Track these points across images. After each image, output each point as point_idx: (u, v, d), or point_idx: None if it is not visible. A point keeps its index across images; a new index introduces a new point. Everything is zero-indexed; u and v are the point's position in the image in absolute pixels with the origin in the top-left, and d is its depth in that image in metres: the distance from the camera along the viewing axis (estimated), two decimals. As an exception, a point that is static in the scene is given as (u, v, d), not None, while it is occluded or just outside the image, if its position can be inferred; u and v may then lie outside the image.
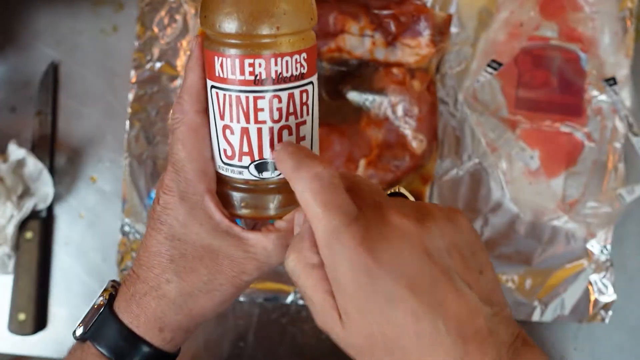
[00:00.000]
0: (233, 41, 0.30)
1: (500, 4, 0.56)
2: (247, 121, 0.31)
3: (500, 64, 0.55)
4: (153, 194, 0.54)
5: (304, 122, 0.32)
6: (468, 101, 0.56)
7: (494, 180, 0.57)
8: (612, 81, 0.56)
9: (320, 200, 0.27)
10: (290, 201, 0.33)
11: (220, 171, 0.33)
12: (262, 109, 0.31)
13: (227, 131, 0.32)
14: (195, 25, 0.56)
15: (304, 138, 0.32)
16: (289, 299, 0.56)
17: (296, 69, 0.31)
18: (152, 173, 0.56)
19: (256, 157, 0.32)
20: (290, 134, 0.32)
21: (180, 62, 0.56)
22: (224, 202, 0.33)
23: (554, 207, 0.55)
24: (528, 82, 0.57)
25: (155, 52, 0.56)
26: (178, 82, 0.56)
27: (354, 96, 0.55)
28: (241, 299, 0.56)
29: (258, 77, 0.30)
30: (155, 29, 0.56)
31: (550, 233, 0.57)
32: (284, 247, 0.32)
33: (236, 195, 0.33)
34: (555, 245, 0.57)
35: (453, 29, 0.57)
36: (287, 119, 0.32)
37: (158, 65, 0.56)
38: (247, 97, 0.31)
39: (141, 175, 0.56)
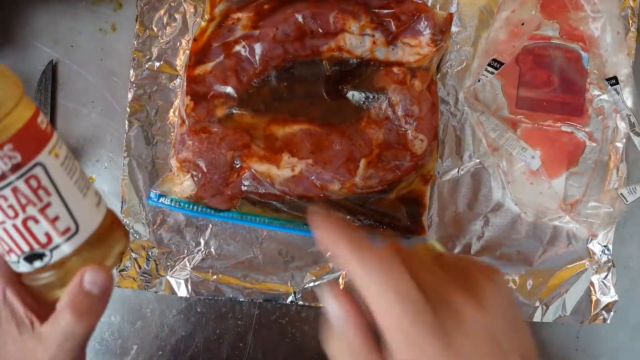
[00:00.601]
0: None
1: (502, 2, 0.56)
2: None
3: (501, 63, 0.55)
4: (152, 194, 0.54)
5: (49, 204, 0.32)
6: (469, 101, 0.56)
7: (494, 180, 0.57)
8: (613, 80, 0.56)
9: (392, 294, 0.26)
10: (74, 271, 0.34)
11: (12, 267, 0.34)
12: None
13: None
14: (195, 24, 0.56)
15: (56, 218, 0.32)
16: (289, 299, 0.56)
17: (4, 163, 0.30)
18: (151, 173, 0.56)
19: (19, 252, 0.32)
20: (37, 222, 0.31)
21: (179, 62, 0.56)
22: (36, 291, 0.34)
23: (555, 207, 0.55)
24: (529, 82, 0.57)
25: (155, 51, 0.56)
26: (177, 81, 0.56)
27: (354, 95, 0.55)
28: (241, 299, 0.55)
29: None
30: (155, 28, 0.56)
31: (552, 233, 0.57)
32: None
33: (37, 284, 0.34)
34: (556, 245, 0.57)
35: (454, 28, 0.57)
36: (25, 211, 0.31)
37: (157, 64, 0.56)
38: None
39: (140, 175, 0.56)
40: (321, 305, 0.56)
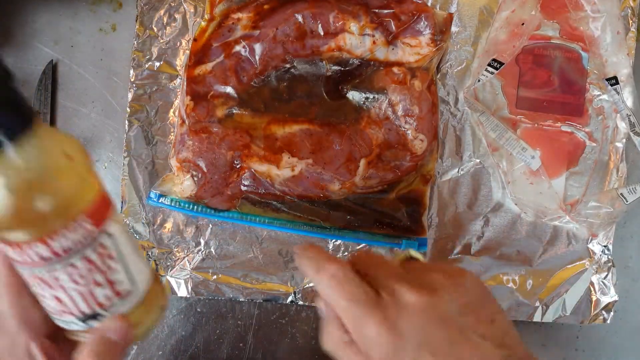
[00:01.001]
0: (9, 234, 0.30)
1: (501, 2, 0.56)
2: (53, 288, 0.31)
3: (501, 63, 0.55)
4: (152, 194, 0.54)
5: (113, 270, 0.33)
6: (469, 101, 0.56)
7: (494, 180, 0.57)
8: (613, 80, 0.56)
9: (341, 295, 0.32)
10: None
11: (55, 322, 0.34)
12: (61, 279, 0.31)
13: (41, 297, 0.33)
14: (195, 24, 0.56)
15: (118, 282, 0.33)
16: (289, 299, 0.56)
17: (79, 234, 0.31)
18: (151, 173, 0.56)
19: (78, 314, 0.33)
20: (101, 286, 0.32)
21: (179, 62, 0.56)
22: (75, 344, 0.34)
23: (555, 207, 0.55)
24: (529, 82, 0.57)
25: (155, 51, 0.56)
26: (177, 81, 0.56)
27: (354, 95, 0.55)
28: (241, 299, 0.55)
29: (44, 257, 0.30)
30: (155, 28, 0.56)
31: (552, 233, 0.57)
32: None
33: (81, 339, 0.34)
34: (556, 245, 0.57)
35: (454, 28, 0.57)
36: (91, 277, 0.32)
37: (157, 64, 0.56)
38: (42, 275, 0.31)
39: (140, 175, 0.56)
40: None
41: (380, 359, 0.31)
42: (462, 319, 0.32)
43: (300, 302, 0.56)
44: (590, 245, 0.57)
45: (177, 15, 0.56)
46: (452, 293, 0.33)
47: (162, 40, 0.56)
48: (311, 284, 0.56)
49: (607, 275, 0.57)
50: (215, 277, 0.55)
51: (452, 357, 0.31)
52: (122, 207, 0.55)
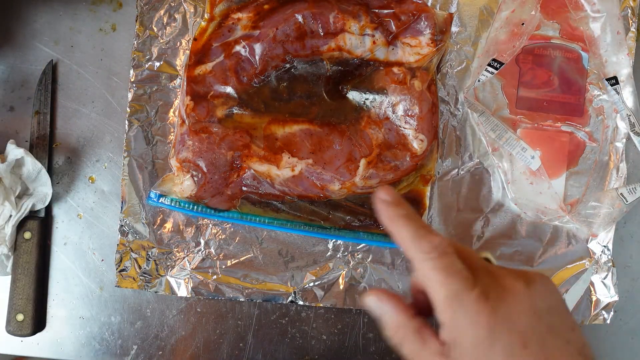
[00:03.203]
0: None
1: (501, 3, 0.56)
2: None
3: (501, 63, 0.55)
4: (152, 194, 0.54)
5: None
6: (469, 101, 0.56)
7: (494, 180, 0.57)
8: (613, 80, 0.56)
9: (440, 268, 0.31)
10: None
11: None
12: None
13: None
14: (195, 24, 0.56)
15: None
16: (289, 299, 0.56)
17: None
18: (151, 173, 0.56)
19: None
20: None
21: (179, 62, 0.56)
22: None
23: (555, 207, 0.55)
24: (529, 82, 0.57)
25: (155, 51, 0.56)
26: (177, 81, 0.56)
27: (354, 96, 0.55)
28: (241, 299, 0.55)
29: None
30: (155, 28, 0.56)
31: (552, 233, 0.57)
32: None
33: None
34: (556, 245, 0.57)
35: (454, 28, 0.57)
36: None
37: (157, 64, 0.56)
38: None
39: (140, 175, 0.56)
40: (321, 305, 0.56)
41: (471, 343, 0.30)
42: (550, 318, 0.31)
43: (300, 302, 0.56)
44: (590, 245, 0.57)
45: (177, 15, 0.56)
46: (543, 291, 0.32)
47: (162, 40, 0.56)
48: (310, 284, 0.56)
49: (607, 275, 0.57)
50: (215, 277, 0.55)
51: (543, 354, 0.30)
52: (122, 207, 0.55)
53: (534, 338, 0.30)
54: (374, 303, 0.34)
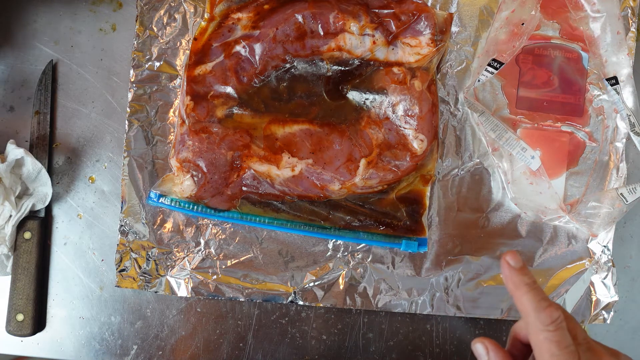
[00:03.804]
0: None
1: (501, 3, 0.56)
2: None
3: (501, 63, 0.55)
4: (152, 194, 0.54)
5: None
6: (469, 101, 0.56)
7: (494, 180, 0.57)
8: (613, 80, 0.56)
9: (554, 340, 0.36)
10: None
11: None
12: None
13: None
14: (195, 24, 0.56)
15: None
16: (289, 299, 0.56)
17: None
18: (151, 173, 0.56)
19: None
20: None
21: (179, 62, 0.56)
22: None
23: (555, 207, 0.55)
24: (529, 82, 0.57)
25: (155, 51, 0.56)
26: (177, 81, 0.56)
27: (354, 96, 0.55)
28: (241, 299, 0.55)
29: None
30: (155, 28, 0.56)
31: (552, 233, 0.57)
32: None
33: None
34: (556, 245, 0.57)
35: (454, 28, 0.57)
36: None
37: (157, 64, 0.56)
38: None
39: (140, 175, 0.56)
40: (321, 305, 0.56)
41: None
42: None
43: (300, 302, 0.56)
44: (590, 245, 0.57)
45: (177, 15, 0.56)
46: None
47: (162, 40, 0.56)
48: (310, 284, 0.56)
49: (607, 275, 0.57)
50: (215, 277, 0.55)
51: None
52: (122, 207, 0.55)
53: None
54: (481, 351, 0.39)
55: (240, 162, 0.53)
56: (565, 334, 0.36)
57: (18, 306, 0.55)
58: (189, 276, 0.55)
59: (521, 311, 0.38)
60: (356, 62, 0.54)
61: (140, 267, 0.55)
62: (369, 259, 0.56)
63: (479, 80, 0.55)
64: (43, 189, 0.56)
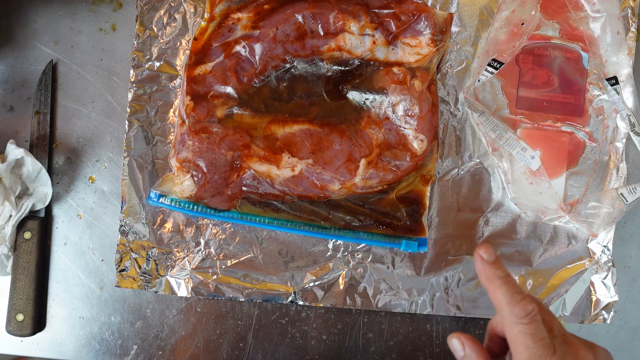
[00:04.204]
0: None
1: (501, 3, 0.56)
2: None
3: (501, 63, 0.55)
4: (152, 194, 0.54)
5: None
6: (469, 101, 0.56)
7: (494, 180, 0.57)
8: (613, 80, 0.56)
9: (528, 333, 0.36)
10: None
11: None
12: None
13: None
14: (195, 24, 0.56)
15: None
16: (289, 299, 0.56)
17: None
18: (151, 173, 0.56)
19: None
20: None
21: (179, 62, 0.56)
22: None
23: (555, 207, 0.55)
24: (529, 82, 0.57)
25: (155, 51, 0.56)
26: (177, 81, 0.56)
27: (354, 96, 0.55)
28: (241, 299, 0.55)
29: None
30: (155, 28, 0.56)
31: (552, 233, 0.57)
32: None
33: None
34: (556, 245, 0.57)
35: (454, 28, 0.57)
36: None
37: (157, 64, 0.56)
38: None
39: (140, 175, 0.56)
40: (321, 305, 0.56)
41: None
42: None
43: (300, 302, 0.56)
44: (590, 245, 0.57)
45: (177, 15, 0.56)
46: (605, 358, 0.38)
47: (162, 40, 0.56)
48: (310, 284, 0.56)
49: (607, 275, 0.57)
50: (215, 277, 0.55)
51: None
52: (122, 207, 0.55)
53: None
54: (457, 346, 0.39)
55: (240, 162, 0.53)
56: (540, 326, 0.36)
57: (18, 306, 0.55)
58: (189, 276, 0.55)
59: (495, 305, 0.38)
60: (356, 62, 0.54)
61: (140, 267, 0.55)
62: (369, 259, 0.56)
63: (479, 80, 0.55)
64: (43, 189, 0.56)
